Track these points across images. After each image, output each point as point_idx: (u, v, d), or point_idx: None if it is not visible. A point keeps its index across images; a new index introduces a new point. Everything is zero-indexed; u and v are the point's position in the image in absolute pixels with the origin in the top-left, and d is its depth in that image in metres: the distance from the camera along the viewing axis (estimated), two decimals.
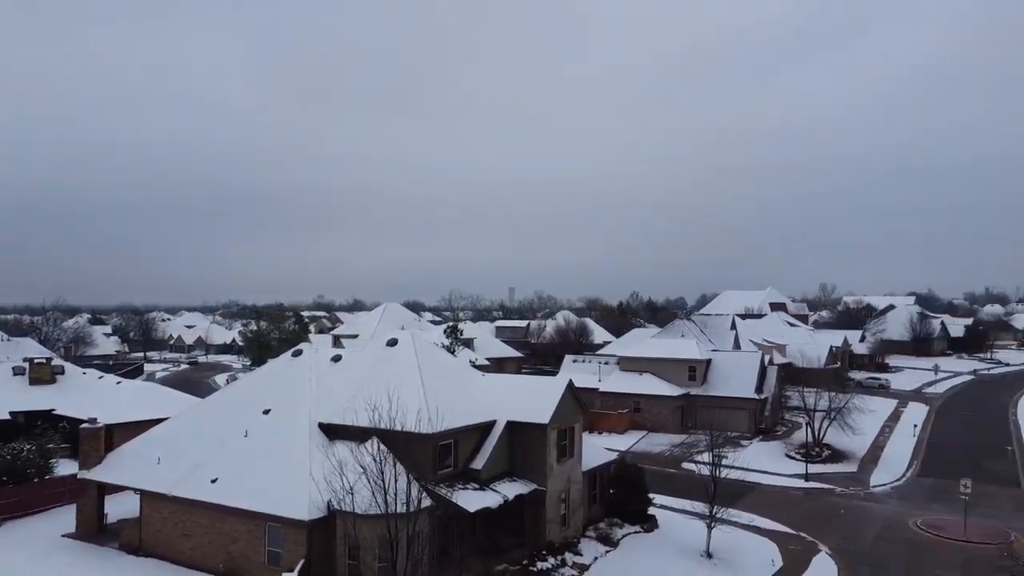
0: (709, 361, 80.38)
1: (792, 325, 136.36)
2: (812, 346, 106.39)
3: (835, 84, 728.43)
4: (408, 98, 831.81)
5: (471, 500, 33.12)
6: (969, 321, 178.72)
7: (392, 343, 41.30)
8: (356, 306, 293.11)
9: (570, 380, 41.37)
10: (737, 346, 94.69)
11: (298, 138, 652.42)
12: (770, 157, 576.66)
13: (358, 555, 29.40)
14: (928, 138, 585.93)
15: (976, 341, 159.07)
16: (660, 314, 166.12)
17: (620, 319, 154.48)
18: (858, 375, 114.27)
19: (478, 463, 35.82)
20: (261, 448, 34.68)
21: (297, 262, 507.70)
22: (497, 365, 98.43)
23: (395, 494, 26.86)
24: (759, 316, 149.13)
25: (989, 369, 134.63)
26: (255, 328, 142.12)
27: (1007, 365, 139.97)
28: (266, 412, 37.14)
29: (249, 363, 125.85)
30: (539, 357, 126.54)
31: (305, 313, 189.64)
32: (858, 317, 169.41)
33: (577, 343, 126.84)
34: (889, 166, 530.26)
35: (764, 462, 62.13)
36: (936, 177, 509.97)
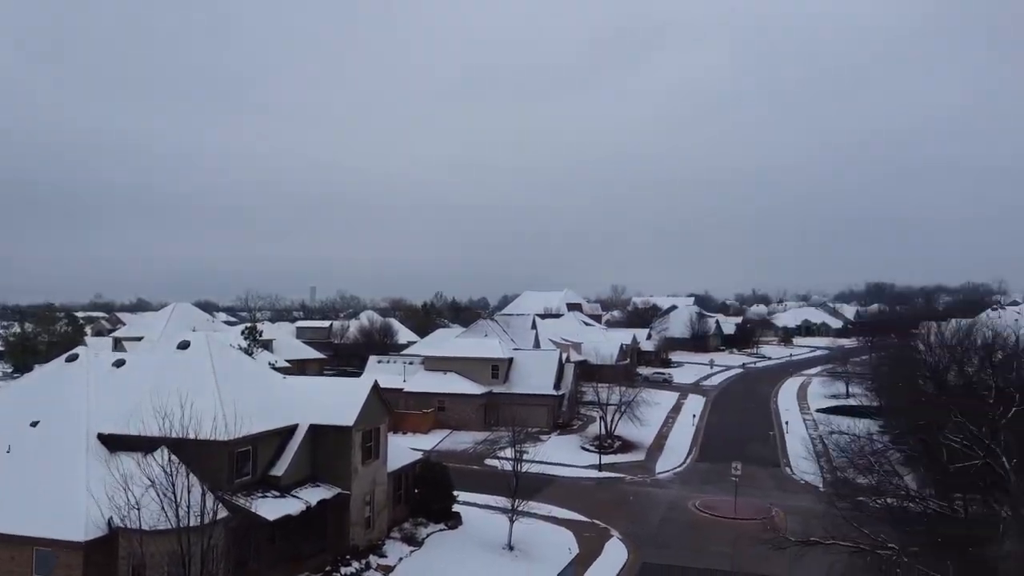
0: (511, 360, 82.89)
1: (587, 324, 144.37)
2: (605, 344, 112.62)
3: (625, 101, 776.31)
4: (185, 86, 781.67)
5: (271, 508, 31.98)
6: (739, 320, 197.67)
7: (184, 346, 38.78)
8: (141, 306, 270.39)
9: (375, 381, 41.20)
10: (537, 345, 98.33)
11: (69, 124, 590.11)
12: (568, 163, 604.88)
13: (144, 575, 27.31)
14: (706, 151, 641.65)
15: (745, 338, 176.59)
16: (464, 314, 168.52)
17: (425, 319, 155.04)
18: (645, 371, 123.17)
19: (279, 469, 34.59)
20: (28, 464, 31.13)
21: (71, 260, 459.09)
22: (299, 367, 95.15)
23: (188, 507, 25.32)
24: (557, 316, 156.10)
25: (755, 363, 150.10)
26: (19, 331, 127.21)
27: (769, 359, 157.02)
28: (34, 424, 33.38)
29: (11, 370, 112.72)
30: (343, 358, 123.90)
31: (80, 314, 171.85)
32: (645, 316, 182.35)
33: (382, 343, 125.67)
34: (674, 179, 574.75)
35: (562, 455, 65.19)
36: (721, 189, 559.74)
